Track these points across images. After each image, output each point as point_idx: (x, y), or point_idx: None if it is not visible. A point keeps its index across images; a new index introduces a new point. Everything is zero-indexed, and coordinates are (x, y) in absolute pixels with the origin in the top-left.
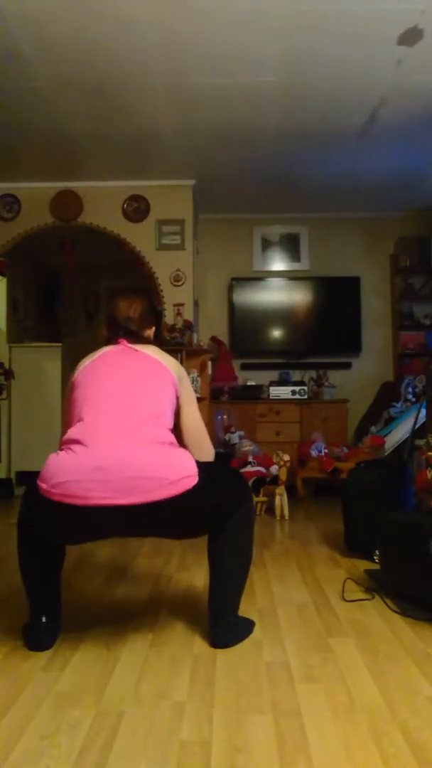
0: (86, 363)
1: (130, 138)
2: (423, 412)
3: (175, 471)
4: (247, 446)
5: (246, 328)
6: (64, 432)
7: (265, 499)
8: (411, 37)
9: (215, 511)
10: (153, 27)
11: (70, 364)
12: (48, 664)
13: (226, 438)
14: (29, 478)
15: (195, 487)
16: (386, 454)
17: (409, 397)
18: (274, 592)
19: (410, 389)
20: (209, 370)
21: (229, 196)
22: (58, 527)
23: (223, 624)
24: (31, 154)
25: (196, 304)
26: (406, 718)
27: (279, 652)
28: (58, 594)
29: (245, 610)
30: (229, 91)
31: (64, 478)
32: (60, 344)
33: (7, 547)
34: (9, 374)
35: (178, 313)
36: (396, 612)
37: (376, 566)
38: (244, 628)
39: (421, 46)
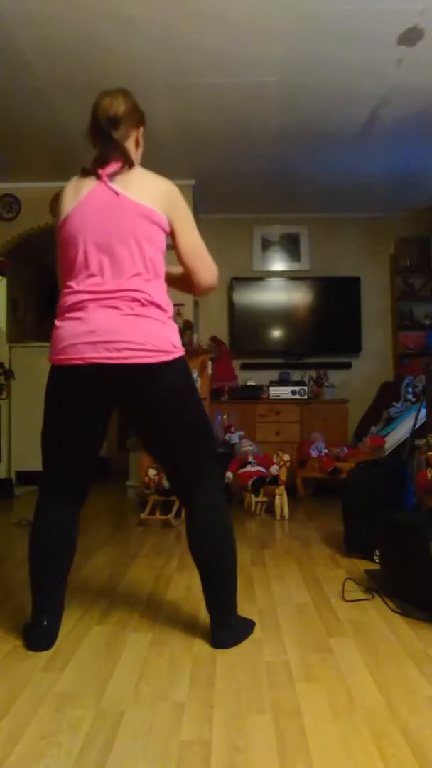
0: (68, 209)
1: None
2: (423, 412)
3: (155, 342)
4: (247, 446)
5: (246, 328)
6: (61, 288)
7: (265, 499)
8: (411, 37)
9: (189, 422)
10: (153, 27)
11: None
12: (48, 664)
13: (226, 438)
14: (27, 477)
15: (176, 362)
16: (386, 454)
17: (409, 397)
18: (274, 592)
19: (410, 389)
20: (209, 370)
21: (229, 196)
22: (65, 407)
23: (223, 625)
24: (31, 154)
25: (196, 304)
26: (406, 718)
27: (279, 652)
28: (62, 596)
29: (245, 610)
30: (229, 91)
31: (64, 343)
32: None
33: (8, 547)
34: (9, 374)
35: (178, 313)
36: (396, 612)
37: (376, 566)
38: (244, 628)
39: (421, 46)
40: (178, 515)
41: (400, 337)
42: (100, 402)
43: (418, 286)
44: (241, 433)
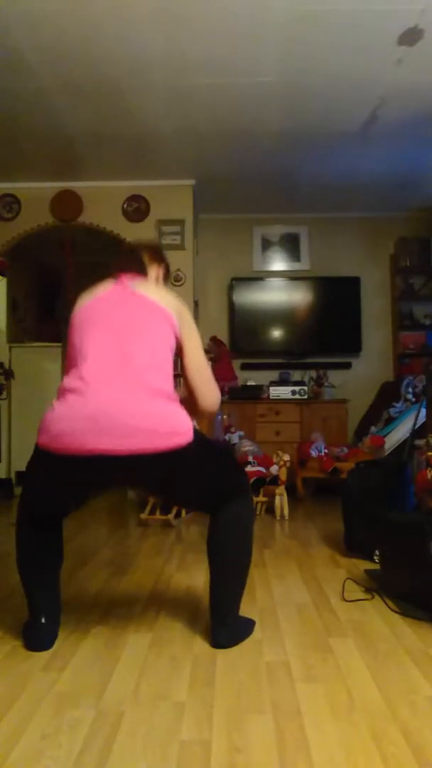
0: (85, 303)
1: (130, 138)
2: (423, 412)
3: (168, 424)
4: (247, 446)
5: (246, 328)
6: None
7: (265, 499)
8: (411, 37)
9: (207, 483)
10: (153, 27)
11: None
12: (48, 664)
13: (226, 438)
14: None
15: (189, 446)
16: (386, 454)
17: (409, 397)
18: (274, 592)
19: (410, 389)
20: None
21: (229, 196)
22: (55, 484)
23: (224, 624)
24: (31, 154)
25: (196, 304)
26: (406, 718)
27: (279, 652)
28: (57, 594)
29: (245, 610)
30: (229, 91)
31: (60, 427)
32: (60, 344)
33: (8, 547)
34: (9, 374)
35: None
36: (396, 612)
37: (376, 566)
38: (245, 628)
39: (421, 46)
40: (178, 515)
41: (400, 337)
42: (101, 484)
43: (418, 286)
44: (241, 433)
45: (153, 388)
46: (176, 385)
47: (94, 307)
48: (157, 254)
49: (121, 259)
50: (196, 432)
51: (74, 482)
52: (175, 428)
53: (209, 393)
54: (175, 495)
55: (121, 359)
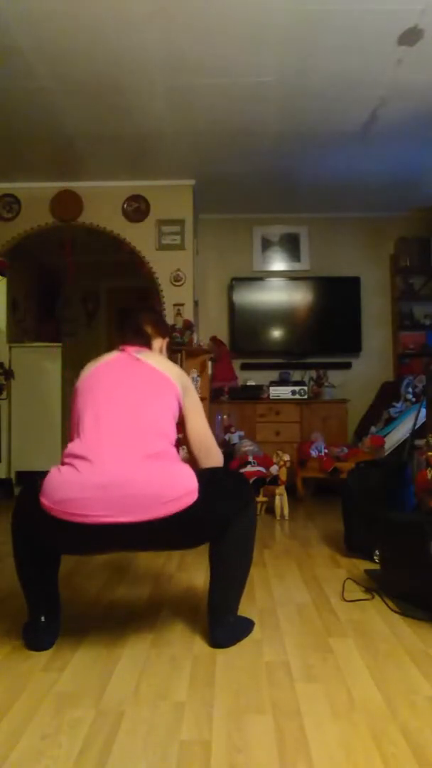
0: (89, 371)
1: (130, 138)
2: (423, 412)
3: (176, 488)
4: (247, 446)
5: (246, 328)
6: (69, 439)
7: (265, 499)
8: (411, 37)
9: (216, 523)
10: (153, 27)
11: (70, 364)
12: (48, 664)
13: (226, 438)
14: (27, 478)
15: (196, 503)
16: (386, 454)
17: (409, 397)
18: (274, 592)
19: (410, 389)
20: (209, 370)
21: (229, 196)
22: (57, 540)
23: (223, 624)
24: (31, 154)
25: (196, 304)
26: (406, 718)
27: (279, 652)
28: (56, 593)
29: (245, 610)
30: (229, 91)
31: (66, 495)
32: (60, 344)
33: (8, 547)
34: (9, 374)
35: (178, 313)
36: (396, 612)
37: (376, 566)
38: (244, 628)
39: (421, 46)
40: None
41: (400, 337)
42: (105, 550)
43: (418, 286)
44: (241, 433)
45: (158, 453)
46: (178, 450)
47: (101, 373)
48: (162, 328)
49: (126, 331)
50: (202, 484)
51: (74, 543)
52: (183, 491)
53: (211, 460)
54: (186, 544)
55: (129, 428)
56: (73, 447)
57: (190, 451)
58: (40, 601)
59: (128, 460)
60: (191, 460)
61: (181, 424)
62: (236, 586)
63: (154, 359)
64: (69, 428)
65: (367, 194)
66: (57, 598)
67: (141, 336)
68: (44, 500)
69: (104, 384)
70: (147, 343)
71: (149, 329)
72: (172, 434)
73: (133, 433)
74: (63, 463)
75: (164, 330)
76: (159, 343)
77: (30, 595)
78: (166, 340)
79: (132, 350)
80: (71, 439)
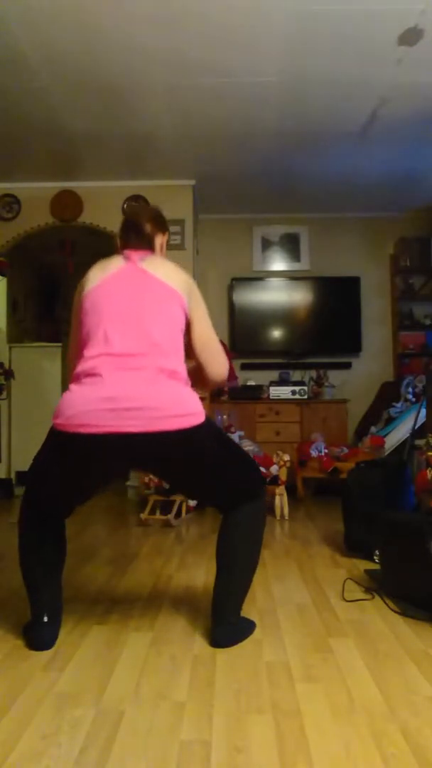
0: (94, 284)
1: (130, 138)
2: (423, 412)
3: (183, 406)
4: (247, 446)
5: (246, 328)
6: (73, 359)
7: None
8: (411, 37)
9: (217, 471)
10: (153, 27)
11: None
12: (48, 664)
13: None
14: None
15: (202, 427)
16: (386, 454)
17: (409, 397)
18: (274, 592)
19: (410, 389)
20: None
21: (229, 196)
22: (66, 469)
23: (225, 624)
24: (31, 154)
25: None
26: (406, 718)
27: (279, 652)
28: (59, 593)
29: (245, 610)
30: (229, 91)
31: (76, 410)
32: (60, 344)
33: (8, 547)
34: (9, 374)
35: None
36: (396, 612)
37: (376, 566)
38: (245, 628)
39: (421, 46)
40: (178, 515)
41: (400, 337)
42: (113, 468)
43: (418, 286)
44: (241, 433)
45: (168, 372)
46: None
47: (106, 288)
48: (160, 223)
49: (127, 232)
50: (211, 420)
51: (85, 465)
52: (188, 410)
53: (218, 365)
54: (187, 480)
55: (137, 343)
56: (83, 366)
57: (195, 356)
58: (44, 600)
59: (137, 375)
60: (197, 367)
61: (186, 331)
62: (241, 587)
63: (160, 269)
64: (73, 343)
65: (367, 194)
66: (60, 597)
67: (143, 237)
68: (56, 420)
69: (112, 300)
70: (150, 245)
71: (149, 227)
72: (182, 350)
73: (143, 351)
74: (74, 382)
75: (163, 225)
76: (160, 239)
77: (33, 593)
78: (166, 235)
79: (136, 258)
80: (79, 356)
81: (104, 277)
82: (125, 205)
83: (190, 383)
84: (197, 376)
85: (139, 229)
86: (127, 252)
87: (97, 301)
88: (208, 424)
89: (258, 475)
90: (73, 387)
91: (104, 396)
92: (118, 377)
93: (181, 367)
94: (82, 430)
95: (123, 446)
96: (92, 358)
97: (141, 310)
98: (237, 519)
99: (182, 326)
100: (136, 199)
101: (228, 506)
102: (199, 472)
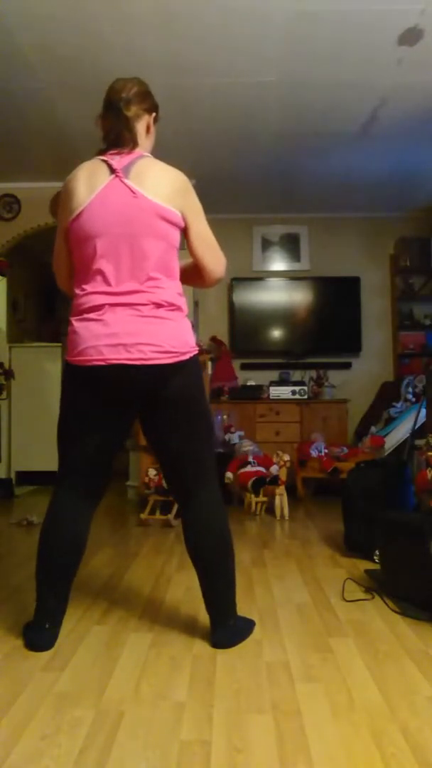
0: (83, 204)
1: None
2: (423, 412)
3: (175, 341)
4: (247, 446)
5: (246, 328)
6: (64, 279)
7: (265, 499)
8: (411, 37)
9: (197, 426)
10: (153, 27)
11: None
12: (48, 664)
13: (226, 438)
14: (30, 476)
15: (189, 360)
16: (386, 454)
17: (409, 397)
18: (274, 592)
19: (410, 389)
20: (209, 370)
21: (229, 196)
22: (86, 408)
23: (223, 624)
24: (31, 154)
25: (196, 304)
26: (406, 718)
27: (279, 652)
28: (65, 600)
29: (245, 610)
30: (229, 91)
31: (83, 345)
32: (60, 344)
33: (8, 547)
34: (9, 374)
35: None
36: (396, 612)
37: (376, 566)
38: (244, 628)
39: (421, 46)
40: (178, 515)
41: (400, 337)
42: (119, 401)
43: (418, 286)
44: (241, 433)
45: (167, 304)
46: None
47: (96, 214)
48: (145, 100)
49: (109, 122)
50: (194, 358)
51: (97, 394)
52: (177, 348)
53: (214, 262)
54: (167, 427)
55: (134, 278)
56: (82, 301)
57: (192, 254)
58: (51, 608)
59: (137, 312)
60: (195, 265)
61: (183, 231)
62: (224, 584)
63: (149, 182)
64: (59, 259)
65: (367, 194)
66: (66, 601)
67: (127, 130)
68: (69, 357)
69: (104, 231)
70: (134, 140)
71: (133, 109)
72: (177, 271)
73: (140, 287)
74: (77, 318)
75: (149, 102)
76: (146, 120)
77: (43, 597)
78: (153, 114)
79: (121, 169)
80: (76, 286)
81: (92, 198)
82: (109, 86)
83: (186, 311)
84: (195, 273)
85: (123, 120)
86: (110, 158)
87: (87, 229)
88: (193, 366)
89: (214, 459)
90: (76, 324)
91: (107, 332)
92: (119, 315)
93: (177, 295)
94: (89, 362)
95: (122, 375)
96: (90, 294)
97: (134, 240)
98: (196, 515)
99: (177, 244)
100: None
101: (186, 491)
102: (180, 418)
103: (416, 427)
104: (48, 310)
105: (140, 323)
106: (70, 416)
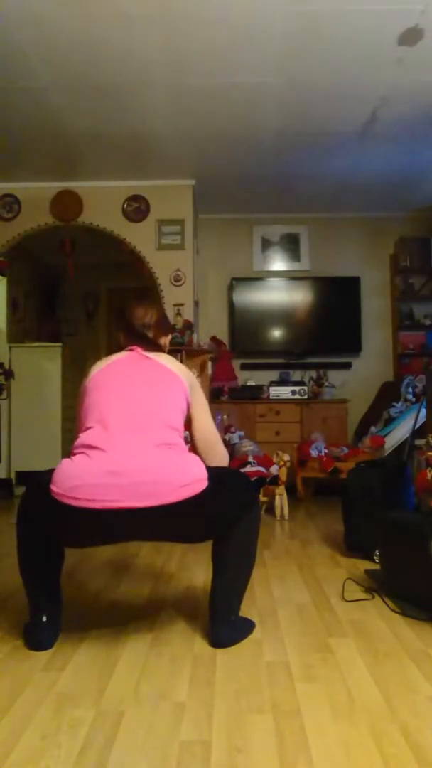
0: (98, 369)
1: (130, 138)
2: (423, 412)
3: (186, 475)
4: (247, 446)
5: (246, 328)
6: (76, 437)
7: (265, 499)
8: (411, 37)
9: (223, 516)
10: (153, 27)
11: (70, 364)
12: (48, 664)
13: (226, 438)
14: (30, 476)
15: (204, 491)
16: (386, 454)
17: (409, 397)
18: (274, 592)
19: (410, 389)
20: (209, 370)
21: (229, 196)
22: (63, 530)
23: (224, 624)
24: (31, 154)
25: (196, 304)
26: (406, 718)
27: (279, 652)
28: (58, 593)
29: (245, 610)
30: (229, 92)
31: (78, 481)
32: (60, 344)
33: (8, 547)
34: (9, 374)
35: (178, 313)
36: (396, 612)
37: (376, 566)
38: (245, 628)
39: (421, 46)
40: None
41: (400, 337)
42: (112, 539)
43: (418, 286)
44: (241, 433)
45: (169, 444)
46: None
47: (110, 371)
48: (165, 328)
49: (130, 337)
50: (209, 480)
51: (85, 533)
52: (193, 478)
53: (218, 458)
54: (192, 537)
55: (139, 419)
56: (84, 438)
57: (196, 450)
58: (43, 600)
59: (140, 449)
60: (197, 454)
61: (187, 423)
62: (238, 587)
63: (164, 357)
64: (77, 424)
65: (367, 194)
66: (59, 597)
67: (150, 344)
68: (54, 488)
69: (115, 380)
70: (156, 348)
71: (153, 334)
72: (181, 429)
73: (145, 426)
74: (74, 454)
75: (167, 328)
76: (163, 340)
77: (32, 594)
78: (169, 336)
79: (141, 350)
80: (81, 431)
81: (108, 363)
82: (129, 311)
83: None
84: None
85: (146, 339)
86: (132, 346)
87: (99, 382)
88: (210, 484)
89: (251, 488)
90: (75, 458)
91: (109, 469)
92: (121, 451)
93: (181, 441)
94: (83, 504)
95: (126, 521)
96: (95, 432)
97: (143, 389)
98: (234, 529)
99: (183, 410)
100: (137, 199)
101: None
102: (204, 527)
103: (416, 427)
104: (48, 310)
105: (148, 456)
106: (41, 521)
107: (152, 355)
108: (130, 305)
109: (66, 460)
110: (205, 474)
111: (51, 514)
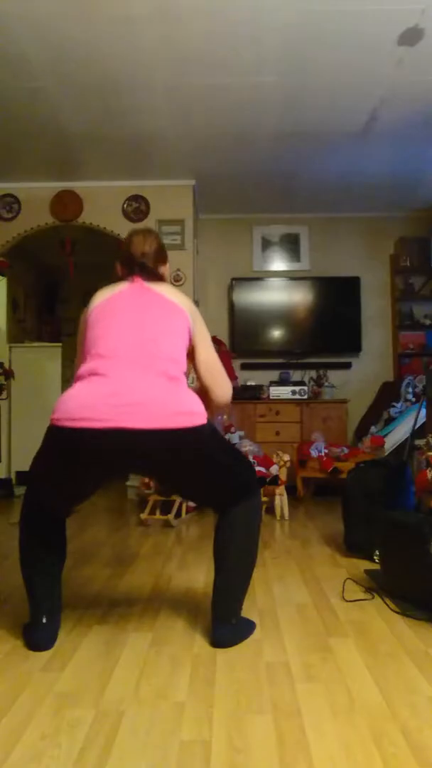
0: (100, 300)
1: (130, 138)
2: (423, 412)
3: (182, 404)
4: (247, 446)
5: (246, 328)
6: (78, 368)
7: (265, 499)
8: (411, 37)
9: (224, 472)
10: (153, 27)
11: (70, 364)
12: (48, 664)
13: (227, 438)
14: (28, 476)
15: (204, 430)
16: (386, 454)
17: (409, 397)
18: (274, 592)
19: (410, 389)
20: None
21: (229, 196)
22: (64, 470)
23: (225, 624)
24: (31, 154)
25: (196, 303)
26: (406, 718)
27: (279, 652)
28: (58, 593)
29: (245, 610)
30: (229, 92)
31: (75, 403)
32: (60, 344)
33: (8, 547)
34: (9, 374)
35: None
36: (396, 612)
37: (376, 566)
38: (245, 628)
39: (421, 46)
40: (178, 515)
41: (400, 337)
42: (113, 468)
43: (418, 286)
44: (241, 433)
45: (170, 377)
46: (189, 382)
47: (113, 301)
48: (162, 256)
49: (129, 266)
50: (210, 423)
51: (84, 463)
52: (191, 409)
53: (221, 388)
54: (185, 481)
55: (141, 350)
56: (85, 366)
57: (199, 379)
58: (43, 602)
59: (141, 375)
60: (201, 388)
61: (190, 354)
62: (240, 586)
63: (165, 288)
64: (77, 358)
65: (367, 194)
66: (59, 597)
67: (150, 273)
68: (54, 416)
69: (117, 312)
70: (156, 278)
71: (152, 263)
72: (184, 362)
73: (147, 358)
74: (76, 381)
75: (165, 257)
76: (162, 269)
77: (34, 596)
78: (167, 266)
79: (142, 280)
80: (83, 362)
81: (110, 296)
82: (127, 240)
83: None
84: (201, 399)
85: (146, 268)
86: (132, 277)
87: (101, 314)
88: (209, 426)
89: (253, 473)
90: (75, 385)
91: (107, 391)
92: (122, 376)
93: (183, 376)
94: (82, 424)
95: (123, 443)
96: (95, 361)
97: (147, 320)
98: (233, 518)
99: (186, 342)
100: (137, 199)
101: (224, 506)
102: (199, 474)
103: (416, 427)
104: (48, 310)
105: (146, 383)
106: (46, 475)
107: (154, 286)
108: (129, 235)
109: (66, 391)
110: (203, 411)
111: (54, 455)
